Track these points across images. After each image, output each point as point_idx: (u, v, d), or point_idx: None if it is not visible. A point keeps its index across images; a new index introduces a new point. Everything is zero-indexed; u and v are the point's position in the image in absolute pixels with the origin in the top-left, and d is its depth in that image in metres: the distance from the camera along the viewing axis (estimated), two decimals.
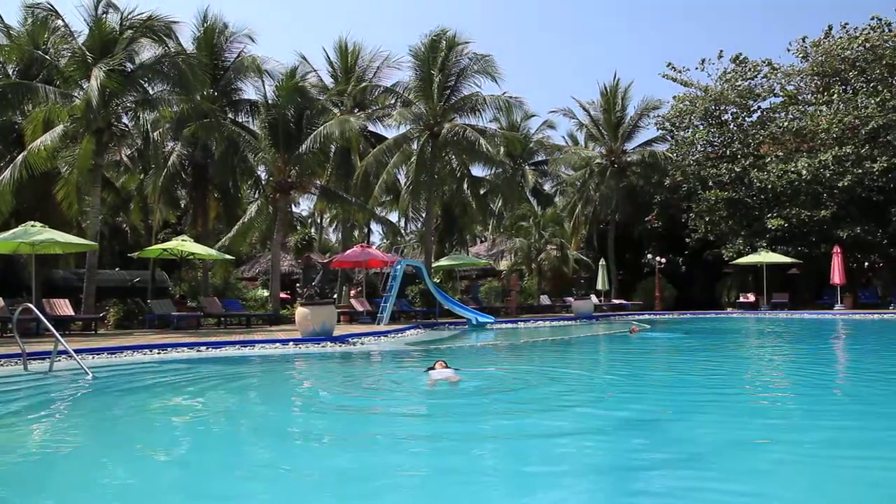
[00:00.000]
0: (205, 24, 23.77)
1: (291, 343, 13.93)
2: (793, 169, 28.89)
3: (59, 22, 19.31)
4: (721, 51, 34.23)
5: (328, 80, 29.52)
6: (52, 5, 19.19)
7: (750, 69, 33.02)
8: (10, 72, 20.74)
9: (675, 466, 4.62)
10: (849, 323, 22.34)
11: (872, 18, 30.30)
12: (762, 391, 8.75)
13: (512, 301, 28.08)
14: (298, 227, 41.17)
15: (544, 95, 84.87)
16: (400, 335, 17.42)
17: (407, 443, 5.53)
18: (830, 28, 31.80)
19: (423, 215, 29.86)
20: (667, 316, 28.10)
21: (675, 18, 74.73)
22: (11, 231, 16.33)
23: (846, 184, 27.81)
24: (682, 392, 8.36)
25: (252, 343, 13.69)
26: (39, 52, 19.90)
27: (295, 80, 22.47)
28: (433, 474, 4.61)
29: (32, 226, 16.08)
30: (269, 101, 22.96)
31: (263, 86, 24.48)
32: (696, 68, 35.10)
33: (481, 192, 33.40)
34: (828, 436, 5.55)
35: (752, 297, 30.55)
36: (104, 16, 19.22)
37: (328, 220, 43.00)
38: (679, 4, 75.05)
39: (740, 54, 33.37)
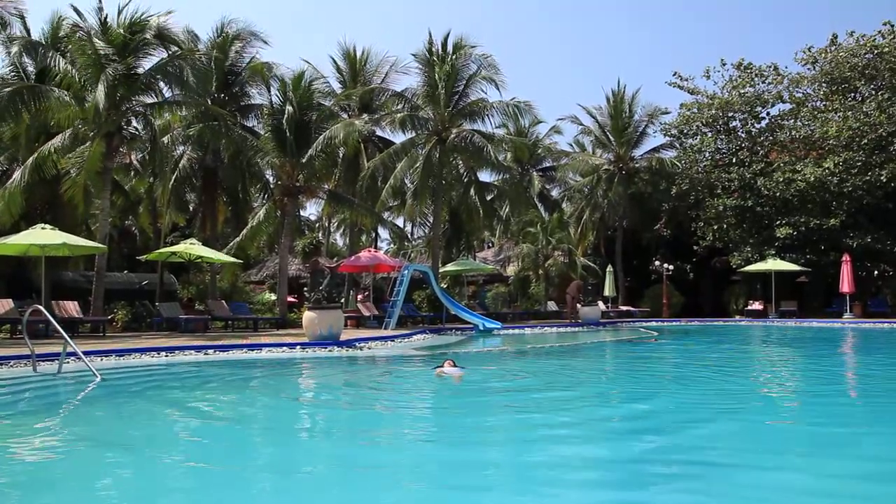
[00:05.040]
0: (222, 33, 23.93)
1: (298, 347, 13.91)
2: (800, 177, 28.74)
3: (80, 29, 19.43)
4: (723, 59, 33.94)
5: (336, 86, 29.62)
6: (77, 9, 19.40)
7: (756, 74, 32.83)
8: (26, 76, 20.87)
9: (680, 470, 4.59)
10: (858, 332, 22.15)
11: (885, 24, 30.05)
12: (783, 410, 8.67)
13: (571, 308, 27.05)
14: (306, 232, 41.27)
15: (550, 102, 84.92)
16: (407, 340, 17.42)
17: (410, 449, 5.52)
18: (836, 37, 31.62)
19: (431, 220, 29.86)
20: (675, 323, 27.95)
21: (680, 26, 74.67)
22: (22, 233, 16.44)
23: (849, 189, 27.68)
24: (689, 397, 8.30)
25: (259, 347, 13.71)
26: (55, 53, 20.01)
27: (304, 84, 22.55)
28: (440, 475, 4.60)
29: (42, 228, 16.17)
30: (277, 106, 23.06)
31: (269, 91, 24.61)
32: (702, 76, 34.87)
33: (488, 197, 33.44)
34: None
35: (760, 305, 30.37)
36: (117, 18, 19.36)
37: (336, 224, 43.11)
38: (684, 11, 75.04)
39: (743, 60, 33.17)
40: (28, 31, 21.18)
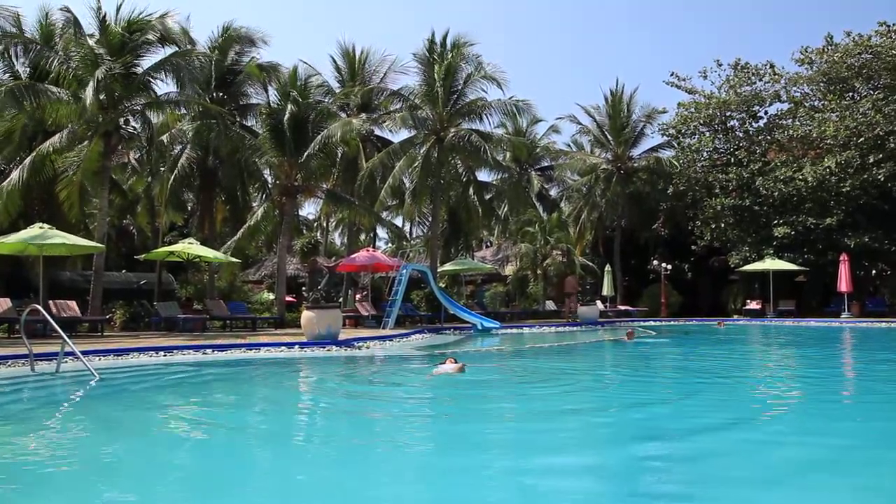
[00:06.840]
0: (227, 35, 23.86)
1: (297, 346, 13.89)
2: (799, 176, 28.77)
3: (73, 28, 19.36)
4: (718, 59, 33.98)
5: (335, 85, 29.59)
6: (69, 9, 19.31)
7: (753, 73, 32.83)
8: (23, 73, 20.81)
9: (677, 467, 4.60)
10: (857, 331, 22.14)
11: (881, 25, 30.10)
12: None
13: (570, 306, 27.07)
14: (304, 231, 41.25)
15: (548, 102, 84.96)
16: (405, 339, 17.41)
17: (405, 456, 5.52)
18: (831, 37, 31.62)
19: (429, 220, 29.85)
20: (673, 323, 27.96)
21: (679, 26, 74.73)
22: (20, 232, 16.42)
23: (847, 188, 27.74)
24: (681, 394, 8.31)
25: (257, 346, 13.69)
26: (49, 50, 19.97)
27: (301, 82, 22.52)
28: (439, 472, 4.60)
29: (41, 227, 16.15)
30: (276, 105, 23.02)
31: (266, 92, 24.58)
32: (699, 75, 34.87)
33: (487, 196, 33.45)
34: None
35: (758, 305, 30.41)
36: (115, 17, 19.33)
37: (334, 223, 43.08)
38: (684, 12, 75.11)
39: (739, 59, 33.15)
40: (20, 28, 21.11)
